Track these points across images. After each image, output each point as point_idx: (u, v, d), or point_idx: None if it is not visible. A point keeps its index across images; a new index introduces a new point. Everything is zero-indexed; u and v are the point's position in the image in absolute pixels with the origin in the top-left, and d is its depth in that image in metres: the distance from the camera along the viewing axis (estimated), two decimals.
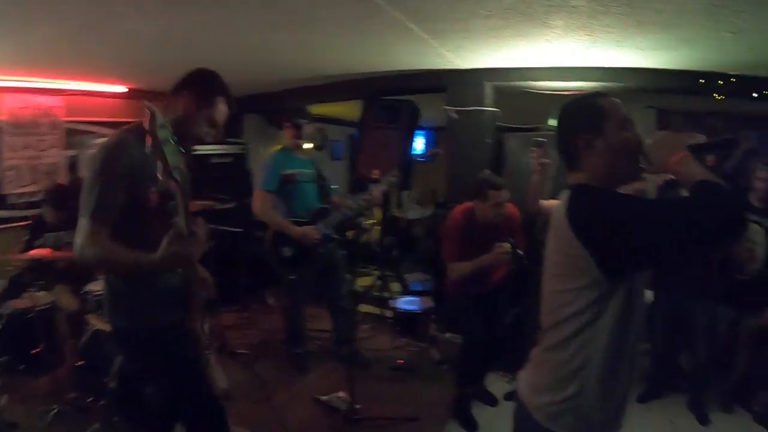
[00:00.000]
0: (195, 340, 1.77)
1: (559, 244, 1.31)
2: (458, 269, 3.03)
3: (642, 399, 3.75)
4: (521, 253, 2.90)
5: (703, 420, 3.51)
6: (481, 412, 3.23)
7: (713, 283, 3.40)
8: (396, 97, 4.47)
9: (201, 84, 1.78)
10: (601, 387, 1.30)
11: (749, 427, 3.48)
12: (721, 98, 3.64)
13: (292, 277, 3.47)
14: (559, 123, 1.41)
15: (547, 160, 2.99)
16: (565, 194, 1.38)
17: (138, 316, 1.71)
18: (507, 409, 2.43)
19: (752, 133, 4.35)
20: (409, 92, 4.43)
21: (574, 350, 1.29)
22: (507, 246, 2.85)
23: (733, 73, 3.55)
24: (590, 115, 1.33)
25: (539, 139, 3.02)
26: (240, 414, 2.84)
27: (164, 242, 1.49)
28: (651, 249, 1.15)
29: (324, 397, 3.24)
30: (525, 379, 1.46)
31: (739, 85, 3.57)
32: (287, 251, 3.41)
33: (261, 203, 3.41)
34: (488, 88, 4.02)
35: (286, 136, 3.57)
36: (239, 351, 3.86)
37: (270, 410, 3.12)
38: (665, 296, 3.56)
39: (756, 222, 3.38)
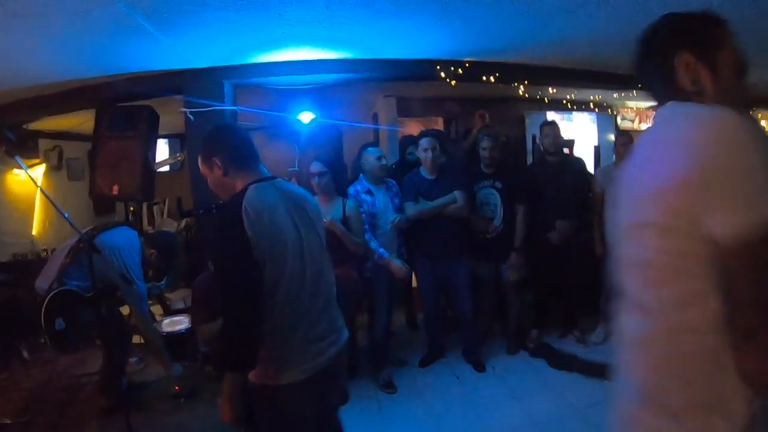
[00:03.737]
0: None
1: None
2: (208, 331, 3.12)
3: (423, 363, 4.06)
4: None
5: (479, 367, 3.95)
6: None
7: (463, 245, 3.83)
8: (132, 103, 4.06)
9: None
10: (288, 334, 1.77)
11: (528, 362, 3.99)
12: (454, 83, 4.07)
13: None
14: None
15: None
16: None
17: None
18: None
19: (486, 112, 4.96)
20: (145, 97, 4.06)
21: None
22: None
23: (465, 59, 3.97)
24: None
25: (293, 168, 3.19)
26: None
27: None
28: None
29: None
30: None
31: (472, 70, 4.02)
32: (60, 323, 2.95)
33: None
34: (228, 87, 3.88)
35: None
36: (5, 422, 3.26)
37: None
38: (425, 263, 3.89)
39: (489, 186, 3.89)
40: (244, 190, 1.74)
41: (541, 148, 4.35)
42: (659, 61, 1.14)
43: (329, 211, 3.39)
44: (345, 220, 3.39)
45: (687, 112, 1.05)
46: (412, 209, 3.72)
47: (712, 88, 1.10)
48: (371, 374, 3.84)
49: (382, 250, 3.60)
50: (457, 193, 3.70)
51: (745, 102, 1.17)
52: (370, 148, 3.79)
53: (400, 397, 3.63)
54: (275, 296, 1.71)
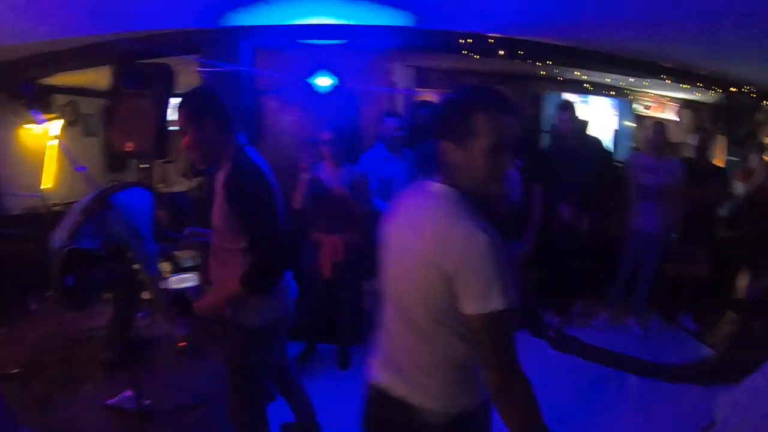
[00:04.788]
0: None
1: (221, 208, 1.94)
2: None
3: None
4: None
5: None
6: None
7: None
8: (149, 61, 4.05)
9: None
10: None
11: (527, 341, 4.00)
12: (481, 59, 4.02)
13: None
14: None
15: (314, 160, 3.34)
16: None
17: None
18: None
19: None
20: (162, 55, 4.05)
21: None
22: None
23: (487, 34, 3.92)
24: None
25: (311, 140, 3.35)
26: None
27: None
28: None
29: (112, 401, 2.96)
30: None
31: (493, 45, 3.98)
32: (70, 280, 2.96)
33: None
34: (245, 48, 3.86)
35: None
36: (9, 372, 3.26)
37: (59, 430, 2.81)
38: None
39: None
40: (242, 149, 1.98)
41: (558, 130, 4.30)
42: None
43: (338, 178, 3.42)
44: (352, 186, 3.42)
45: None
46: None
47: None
48: None
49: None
50: None
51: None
52: (390, 118, 3.79)
53: None
54: None
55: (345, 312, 3.66)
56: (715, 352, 3.95)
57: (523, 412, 1.25)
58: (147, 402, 2.84)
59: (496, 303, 1.20)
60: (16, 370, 3.32)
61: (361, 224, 3.57)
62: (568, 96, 5.47)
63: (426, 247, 1.26)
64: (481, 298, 1.21)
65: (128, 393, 2.96)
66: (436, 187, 1.33)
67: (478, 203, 1.30)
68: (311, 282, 3.57)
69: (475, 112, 1.25)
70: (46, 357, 3.56)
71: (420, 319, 1.34)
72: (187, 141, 1.94)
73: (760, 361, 1.46)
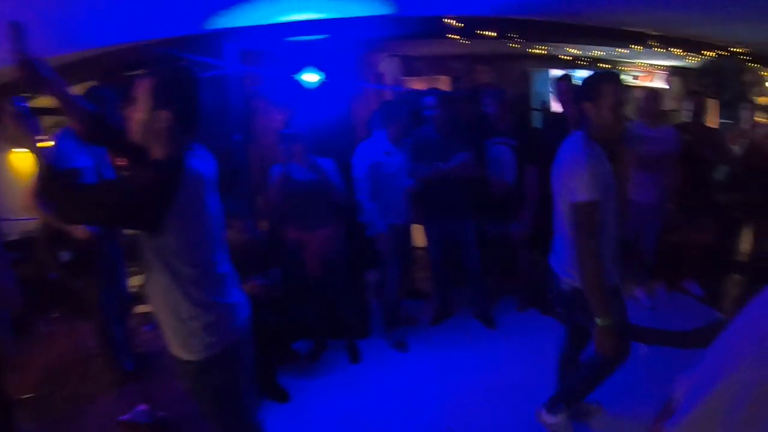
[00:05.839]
0: None
1: None
2: None
3: (434, 321, 4.07)
4: None
5: (490, 323, 3.95)
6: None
7: (470, 203, 3.79)
8: (134, 73, 4.01)
9: None
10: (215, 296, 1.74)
11: (538, 319, 4.04)
12: (466, 42, 3.97)
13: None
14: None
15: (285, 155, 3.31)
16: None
17: None
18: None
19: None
20: (147, 66, 4.00)
21: None
22: None
23: (468, 16, 3.89)
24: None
25: (285, 131, 3.31)
26: None
27: None
28: None
29: (126, 416, 2.95)
30: None
31: (475, 26, 3.95)
32: (66, 255, 2.93)
33: None
34: (230, 50, 3.77)
35: None
36: (21, 397, 3.22)
37: None
38: (434, 223, 3.86)
39: (502, 143, 3.82)
40: (181, 155, 1.61)
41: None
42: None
43: (306, 171, 3.36)
44: (323, 179, 3.35)
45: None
46: (423, 172, 3.67)
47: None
48: (383, 334, 3.87)
49: (379, 223, 3.52)
50: (465, 155, 3.64)
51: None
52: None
53: (413, 356, 3.69)
54: (198, 265, 1.66)
55: (346, 307, 3.63)
56: (724, 314, 3.93)
57: (588, 274, 2.06)
58: (161, 414, 2.87)
59: (583, 196, 2.02)
60: (30, 395, 3.31)
61: (339, 216, 3.50)
62: (556, 72, 5.44)
63: (563, 163, 2.20)
64: (576, 192, 2.04)
65: (142, 407, 2.96)
66: (578, 134, 2.19)
67: (603, 145, 2.12)
68: (301, 283, 3.49)
69: (603, 83, 2.11)
70: (59, 378, 3.56)
71: (565, 211, 2.17)
72: (132, 116, 1.62)
73: None
